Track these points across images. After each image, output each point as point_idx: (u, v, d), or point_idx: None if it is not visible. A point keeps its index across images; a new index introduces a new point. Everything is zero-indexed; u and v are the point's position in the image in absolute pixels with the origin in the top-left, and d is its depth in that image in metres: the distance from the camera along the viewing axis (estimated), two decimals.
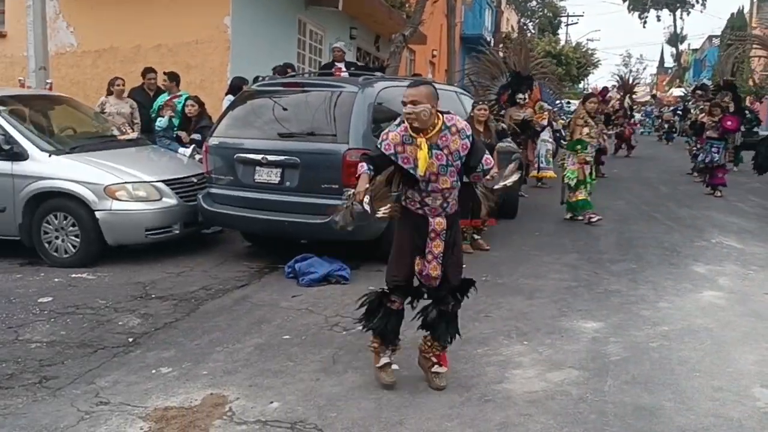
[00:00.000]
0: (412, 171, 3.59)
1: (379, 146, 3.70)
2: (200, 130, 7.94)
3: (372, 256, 6.46)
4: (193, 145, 7.93)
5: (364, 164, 3.65)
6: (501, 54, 11.73)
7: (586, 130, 8.86)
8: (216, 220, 6.67)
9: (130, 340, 4.48)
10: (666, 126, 24.34)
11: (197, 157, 7.56)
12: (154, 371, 3.96)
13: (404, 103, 3.58)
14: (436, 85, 9.01)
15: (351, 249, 6.39)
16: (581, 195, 8.69)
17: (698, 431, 3.29)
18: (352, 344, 4.39)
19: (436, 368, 3.81)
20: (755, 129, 16.05)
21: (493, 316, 5.05)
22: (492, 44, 24.07)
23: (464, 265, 3.90)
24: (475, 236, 7.31)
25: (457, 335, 3.88)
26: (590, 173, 8.84)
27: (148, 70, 9.24)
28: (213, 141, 6.60)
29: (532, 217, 9.06)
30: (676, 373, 3.98)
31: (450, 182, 3.65)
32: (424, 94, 3.59)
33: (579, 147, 8.80)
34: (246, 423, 3.33)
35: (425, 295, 3.84)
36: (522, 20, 42.72)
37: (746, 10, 37.36)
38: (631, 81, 20.20)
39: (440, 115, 3.65)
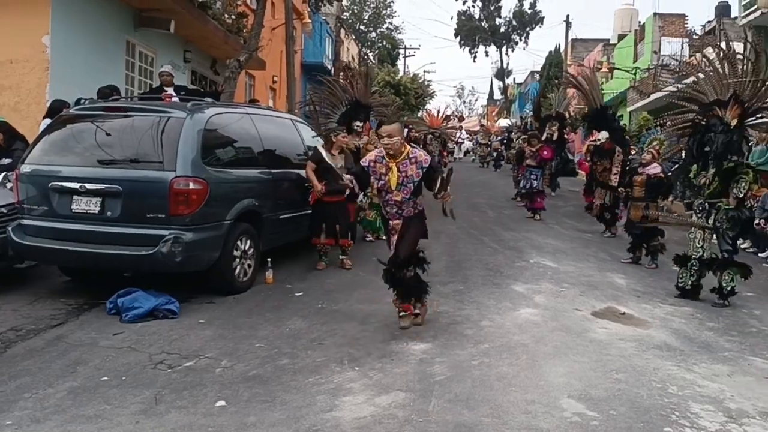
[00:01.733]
0: (376, 181, 5.28)
1: (362, 162, 5.43)
2: (11, 155, 7.30)
3: (203, 287, 6.28)
4: (3, 173, 7.26)
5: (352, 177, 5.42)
6: (342, 82, 11.90)
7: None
8: (29, 253, 6.14)
9: None
10: (495, 154, 25.96)
11: (8, 185, 6.92)
12: None
13: (381, 136, 5.26)
14: (272, 113, 9.03)
15: (181, 281, 6.15)
16: (371, 215, 9.29)
17: None
18: (177, 382, 4.21)
19: (401, 314, 5.30)
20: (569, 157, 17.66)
21: (326, 343, 5.07)
22: (332, 73, 24.49)
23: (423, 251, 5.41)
24: (341, 256, 7.74)
25: (421, 294, 5.41)
26: None
27: None
28: (25, 168, 6.10)
29: (368, 243, 9.24)
30: (495, 389, 4.21)
31: (401, 197, 5.24)
32: (397, 129, 5.24)
33: None
34: None
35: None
36: (363, 50, 43.94)
37: (562, 48, 41.00)
38: (438, 115, 21.62)
39: (407, 147, 5.26)
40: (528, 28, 56.88)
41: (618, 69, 27.18)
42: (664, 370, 4.64)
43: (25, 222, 6.05)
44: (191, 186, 5.78)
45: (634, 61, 27.29)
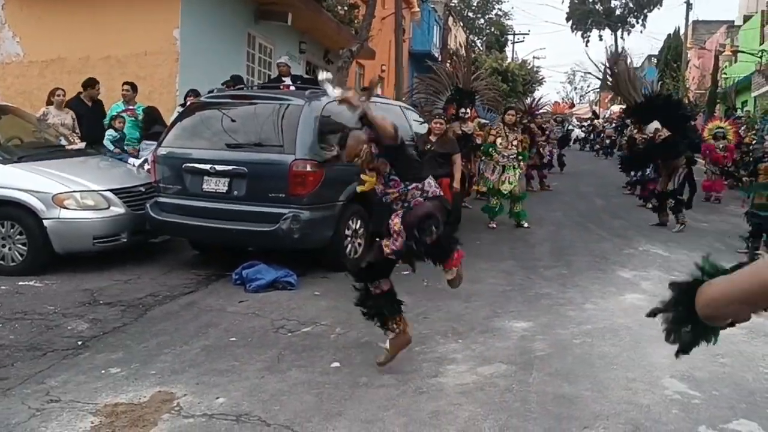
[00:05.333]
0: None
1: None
2: (152, 137, 8.05)
3: (318, 264, 6.71)
4: (144, 157, 8.03)
5: None
6: (450, 68, 12.10)
7: (499, 140, 9.69)
8: (164, 228, 6.79)
9: (79, 343, 4.60)
10: (607, 141, 25.16)
11: (146, 167, 7.66)
12: (103, 371, 4.10)
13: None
14: (382, 100, 9.37)
15: (298, 257, 6.60)
16: (493, 201, 9.58)
17: (611, 416, 3.63)
18: (296, 345, 4.61)
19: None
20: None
21: (431, 317, 5.34)
22: (440, 60, 24.65)
23: None
24: None
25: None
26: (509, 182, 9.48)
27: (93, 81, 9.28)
28: (161, 151, 6.74)
29: (473, 227, 9.42)
30: (596, 366, 4.33)
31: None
32: (352, 143, 4.13)
33: (491, 149, 9.67)
34: (193, 416, 3.52)
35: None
36: (470, 37, 43.69)
37: (682, 31, 39.02)
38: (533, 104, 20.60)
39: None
40: (646, 10, 54.41)
41: (742, 52, 25.66)
42: None
43: (161, 200, 6.69)
44: (308, 168, 6.19)
45: (761, 44, 25.60)
